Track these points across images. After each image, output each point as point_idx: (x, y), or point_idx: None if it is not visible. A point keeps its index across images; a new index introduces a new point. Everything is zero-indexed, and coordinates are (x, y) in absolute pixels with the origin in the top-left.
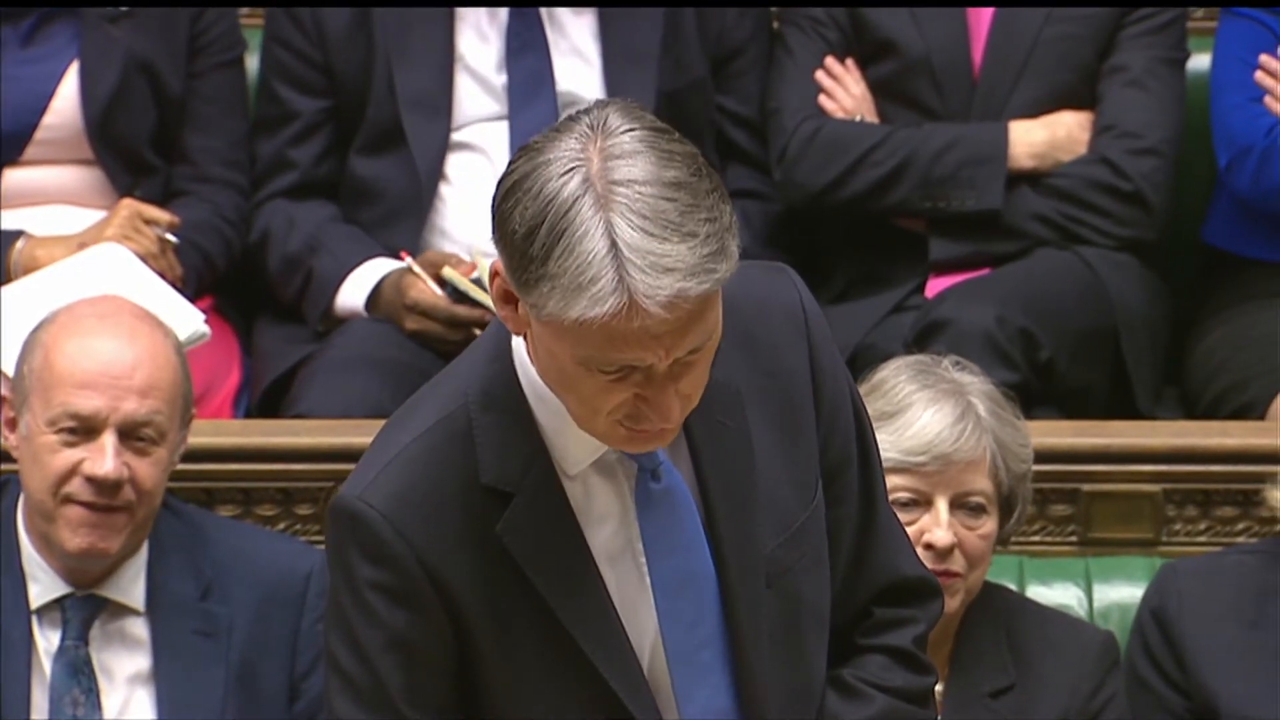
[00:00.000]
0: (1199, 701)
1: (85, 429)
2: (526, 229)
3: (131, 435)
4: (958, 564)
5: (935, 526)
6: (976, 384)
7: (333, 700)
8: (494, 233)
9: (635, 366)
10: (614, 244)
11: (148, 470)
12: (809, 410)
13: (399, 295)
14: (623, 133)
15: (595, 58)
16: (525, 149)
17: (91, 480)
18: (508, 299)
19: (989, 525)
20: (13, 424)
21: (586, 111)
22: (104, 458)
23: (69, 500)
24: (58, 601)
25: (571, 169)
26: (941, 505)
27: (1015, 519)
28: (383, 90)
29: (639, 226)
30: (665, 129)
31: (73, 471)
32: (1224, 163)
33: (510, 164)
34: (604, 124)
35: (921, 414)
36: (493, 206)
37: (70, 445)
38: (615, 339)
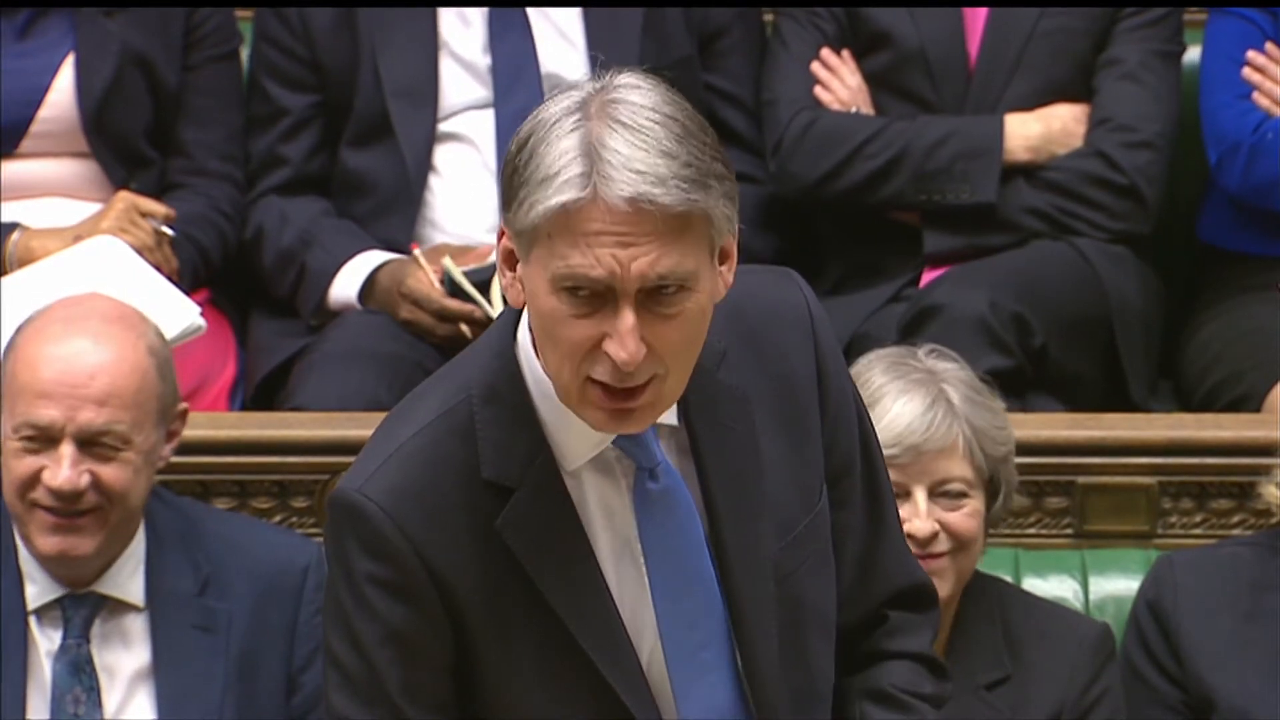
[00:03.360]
0: (1195, 694)
1: (45, 438)
2: (517, 146)
3: (92, 443)
4: (942, 545)
5: (914, 517)
6: (951, 370)
7: (330, 694)
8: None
9: (599, 287)
10: (590, 144)
11: (115, 474)
12: (814, 414)
13: (395, 283)
14: (635, 75)
15: (579, 38)
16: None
17: (50, 489)
18: (509, 260)
19: (973, 505)
20: None
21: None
22: (61, 468)
23: (35, 505)
24: (57, 601)
25: (573, 96)
26: (919, 495)
27: (1002, 500)
28: (369, 81)
29: (621, 135)
30: (681, 97)
31: (35, 478)
32: (1214, 159)
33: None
34: (619, 73)
35: (892, 406)
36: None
37: (33, 452)
38: (577, 237)
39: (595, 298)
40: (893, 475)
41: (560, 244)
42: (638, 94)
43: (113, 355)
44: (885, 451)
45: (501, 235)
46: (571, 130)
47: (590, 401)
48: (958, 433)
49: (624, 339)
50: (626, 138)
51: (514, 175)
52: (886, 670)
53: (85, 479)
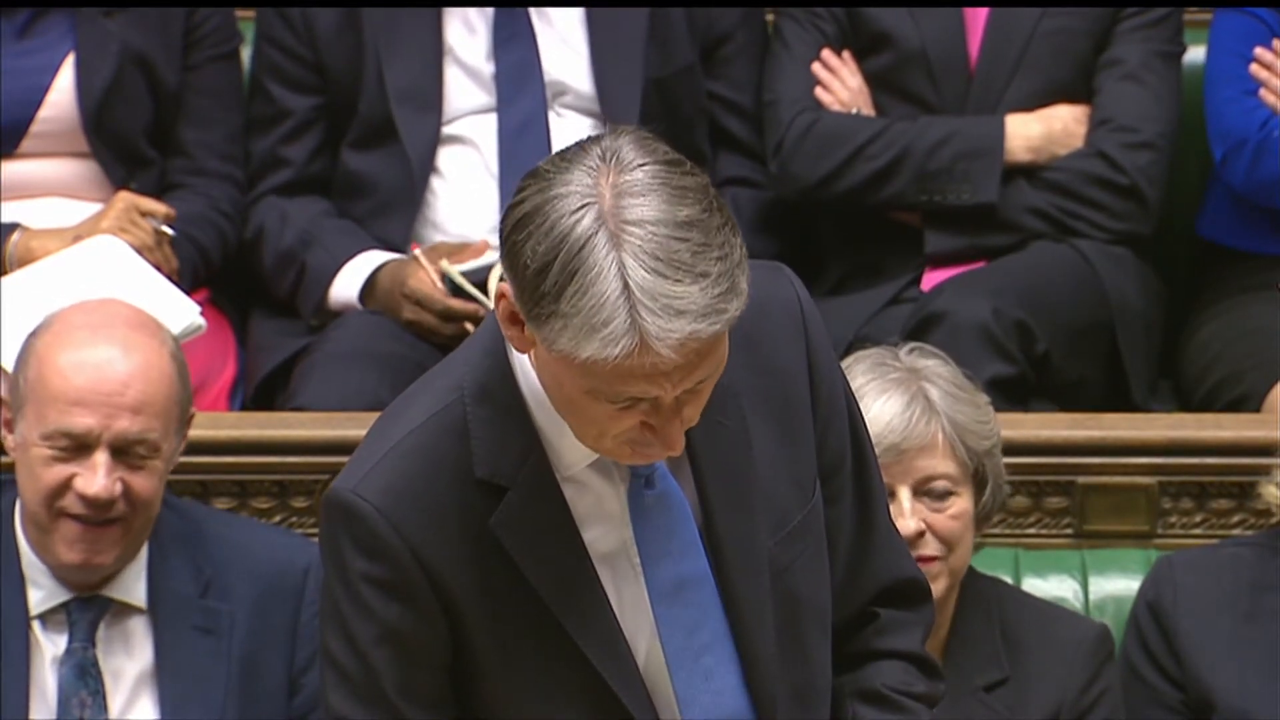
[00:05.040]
0: (1194, 694)
1: (78, 446)
2: (539, 265)
3: (125, 451)
4: (931, 548)
5: (899, 516)
6: (932, 367)
7: (328, 693)
8: (504, 262)
9: (642, 399)
10: (626, 285)
11: (143, 482)
12: (806, 409)
13: (397, 284)
14: (636, 168)
15: (583, 46)
16: (534, 176)
17: (83, 497)
18: (514, 320)
19: (959, 505)
20: (10, 425)
21: (597, 140)
22: (96, 476)
23: (63, 514)
24: (63, 605)
25: (584, 205)
26: (903, 494)
27: (990, 494)
28: (373, 85)
29: (651, 268)
30: (677, 160)
31: (65, 486)
32: (1219, 156)
33: (519, 193)
34: (616, 157)
35: (871, 405)
36: (502, 236)
37: (63, 460)
38: (624, 376)
39: (633, 399)
40: None
41: (602, 375)
42: (648, 205)
43: (142, 363)
44: None
45: (501, 297)
46: (604, 267)
47: (619, 454)
48: (937, 429)
49: (670, 439)
50: (660, 271)
51: (541, 296)
52: (877, 670)
53: (118, 487)
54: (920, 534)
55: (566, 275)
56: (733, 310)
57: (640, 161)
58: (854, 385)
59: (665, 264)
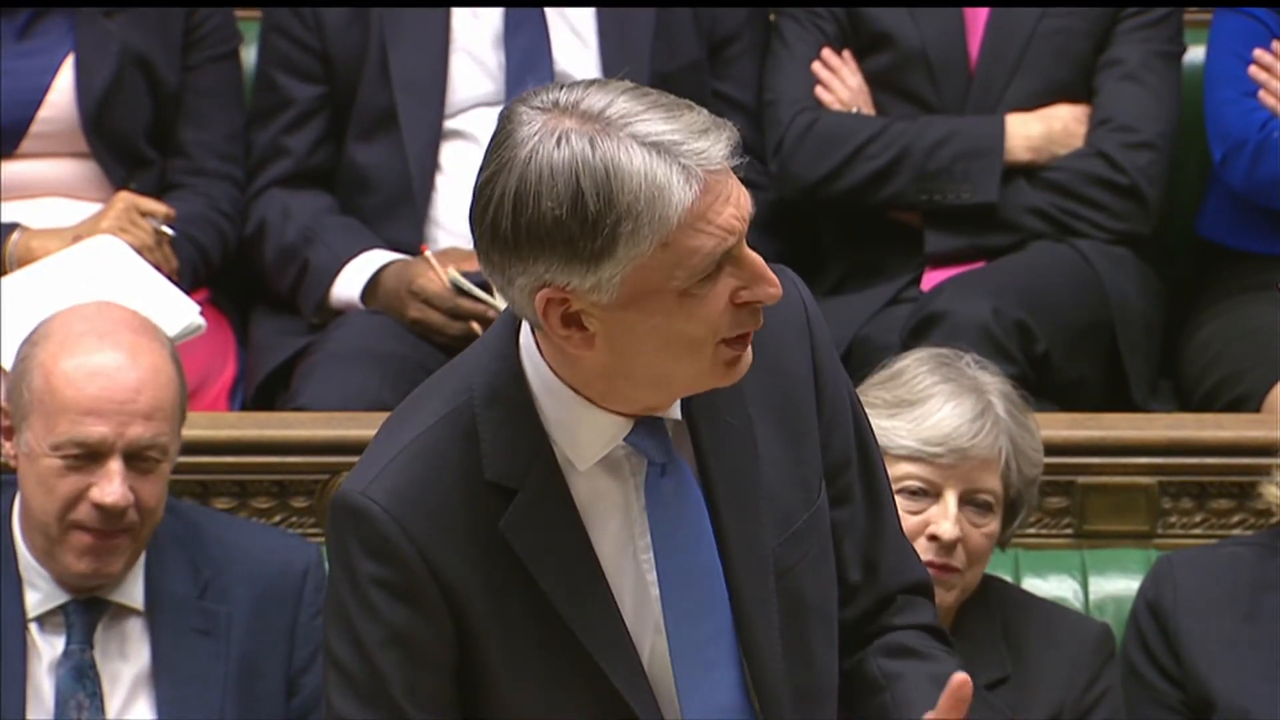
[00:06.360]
0: (1194, 693)
1: (91, 455)
2: (569, 205)
3: (137, 457)
4: (959, 559)
5: (942, 519)
6: (995, 384)
7: (331, 694)
8: (529, 249)
9: (723, 252)
10: (651, 145)
11: (151, 489)
12: (811, 410)
13: (403, 283)
14: (573, 96)
15: (592, 38)
16: (487, 182)
17: (99, 507)
18: (568, 321)
19: (993, 525)
20: (9, 433)
21: (510, 118)
22: (112, 484)
23: (75, 526)
24: (60, 608)
25: (559, 135)
26: (951, 498)
27: (1017, 523)
28: (376, 74)
29: (655, 119)
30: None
31: (80, 497)
32: (1219, 156)
33: (486, 201)
34: (555, 101)
35: (942, 406)
36: (513, 241)
37: (76, 470)
38: (706, 222)
39: (714, 270)
40: (928, 474)
41: (682, 245)
42: (603, 95)
43: (150, 367)
44: (929, 450)
45: (547, 304)
46: (621, 152)
47: (719, 361)
48: (1002, 446)
49: (764, 271)
50: (660, 118)
51: (596, 221)
52: (899, 635)
53: (131, 495)
54: (956, 542)
55: (602, 184)
56: (732, 129)
57: (574, 94)
58: (920, 384)
59: (661, 110)
